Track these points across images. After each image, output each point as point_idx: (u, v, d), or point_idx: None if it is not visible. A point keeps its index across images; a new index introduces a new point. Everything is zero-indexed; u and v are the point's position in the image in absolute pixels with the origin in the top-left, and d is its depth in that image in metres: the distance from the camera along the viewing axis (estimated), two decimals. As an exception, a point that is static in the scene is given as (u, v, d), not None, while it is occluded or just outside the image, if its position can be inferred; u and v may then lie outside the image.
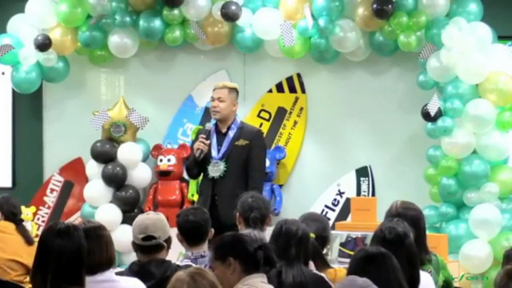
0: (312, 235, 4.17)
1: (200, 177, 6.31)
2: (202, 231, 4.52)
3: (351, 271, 3.13)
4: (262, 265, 3.64)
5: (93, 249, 3.71)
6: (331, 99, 7.51)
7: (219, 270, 3.63)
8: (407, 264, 3.45)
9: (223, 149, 6.04)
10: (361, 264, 3.11)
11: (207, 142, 5.98)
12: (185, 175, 7.20)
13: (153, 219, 4.22)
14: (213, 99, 6.12)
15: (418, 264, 3.68)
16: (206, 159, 6.03)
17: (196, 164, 6.06)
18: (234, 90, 6.17)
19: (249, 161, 6.05)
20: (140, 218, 4.27)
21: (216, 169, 6.02)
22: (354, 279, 2.91)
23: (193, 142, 6.24)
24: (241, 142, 6.05)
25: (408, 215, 4.19)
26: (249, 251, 3.64)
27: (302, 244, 3.97)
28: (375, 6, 6.68)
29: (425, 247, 4.28)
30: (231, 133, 6.08)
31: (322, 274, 4.09)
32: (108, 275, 3.80)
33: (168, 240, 4.22)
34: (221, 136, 6.08)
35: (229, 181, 6.00)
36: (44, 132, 7.82)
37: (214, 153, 6.04)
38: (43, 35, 7.14)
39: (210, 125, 6.12)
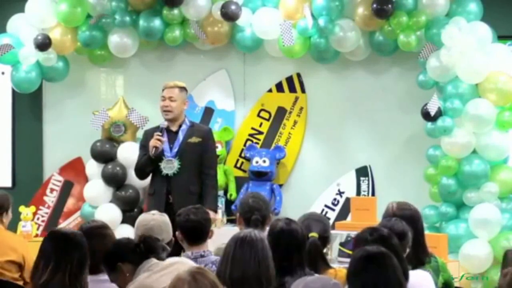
0: (315, 234, 4.13)
1: (149, 178, 6.22)
2: (203, 230, 4.50)
3: (351, 270, 3.12)
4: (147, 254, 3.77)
5: (96, 248, 3.70)
6: (331, 99, 7.51)
7: (119, 279, 3.73)
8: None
9: (175, 146, 6.03)
10: (361, 263, 3.10)
11: (163, 139, 5.96)
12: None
13: (158, 220, 4.20)
14: (164, 99, 6.07)
15: (406, 263, 3.64)
16: (158, 157, 6.00)
17: (152, 162, 6.01)
18: (184, 89, 6.16)
19: (203, 158, 6.07)
20: (145, 218, 4.23)
21: (169, 166, 6.00)
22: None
23: (141, 143, 6.20)
24: (194, 139, 6.06)
25: (404, 216, 4.17)
26: (130, 249, 3.73)
27: (302, 250, 3.89)
28: (375, 5, 6.68)
29: (424, 246, 4.26)
30: (182, 131, 6.08)
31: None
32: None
33: (170, 243, 4.21)
34: (171, 134, 6.07)
35: (183, 178, 5.99)
36: (44, 132, 7.82)
37: (166, 150, 6.04)
38: (43, 34, 7.14)
39: (165, 123, 6.07)
